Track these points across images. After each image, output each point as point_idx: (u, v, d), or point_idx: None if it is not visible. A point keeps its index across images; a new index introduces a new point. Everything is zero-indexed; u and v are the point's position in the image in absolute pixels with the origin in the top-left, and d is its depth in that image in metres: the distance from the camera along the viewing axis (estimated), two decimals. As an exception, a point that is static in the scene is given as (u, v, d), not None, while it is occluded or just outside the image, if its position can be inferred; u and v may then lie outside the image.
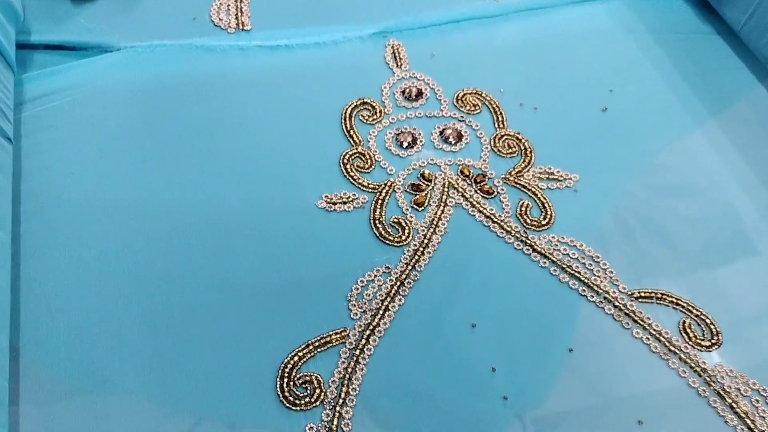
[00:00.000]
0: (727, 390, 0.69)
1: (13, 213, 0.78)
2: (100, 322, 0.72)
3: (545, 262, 0.78)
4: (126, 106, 0.90)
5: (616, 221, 0.83)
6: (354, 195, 0.82)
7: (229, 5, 1.01)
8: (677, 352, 0.72)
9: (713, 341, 0.73)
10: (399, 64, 0.98)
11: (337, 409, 0.66)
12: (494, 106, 0.93)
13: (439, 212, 0.81)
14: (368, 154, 0.87)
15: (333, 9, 1.04)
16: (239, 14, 1.00)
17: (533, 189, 0.84)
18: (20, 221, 0.78)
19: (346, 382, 0.68)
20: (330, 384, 0.68)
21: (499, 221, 0.81)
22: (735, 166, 0.88)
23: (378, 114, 0.91)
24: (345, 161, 0.86)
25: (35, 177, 0.81)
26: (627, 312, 0.74)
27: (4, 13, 0.87)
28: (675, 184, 0.87)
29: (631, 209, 0.84)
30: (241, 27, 0.99)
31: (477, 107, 0.93)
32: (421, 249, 0.78)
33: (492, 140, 0.89)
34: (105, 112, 0.89)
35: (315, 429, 0.66)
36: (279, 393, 0.67)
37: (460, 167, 0.86)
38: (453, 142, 0.89)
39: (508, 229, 0.80)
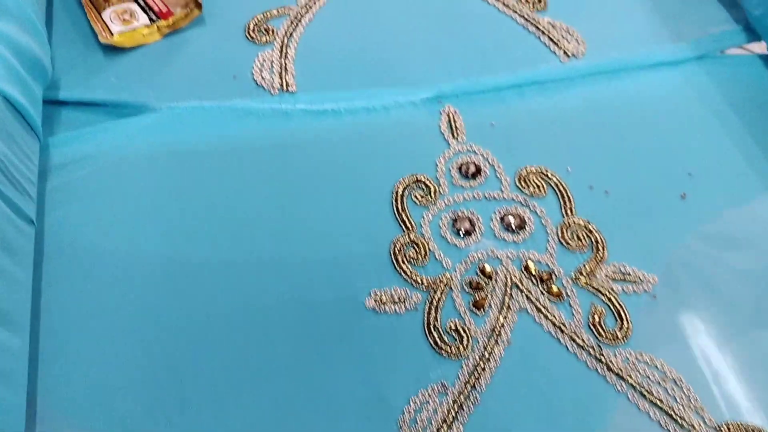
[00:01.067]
0: None
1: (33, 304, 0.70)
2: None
3: (622, 386, 0.69)
4: (159, 176, 0.83)
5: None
6: (406, 293, 0.74)
7: (272, 62, 0.93)
8: (776, 506, 0.62)
9: (816, 492, 0.63)
10: (455, 134, 0.89)
11: None
12: (561, 188, 0.84)
13: (501, 318, 0.73)
14: (422, 242, 0.78)
15: (384, 69, 0.96)
16: (283, 73, 0.92)
17: (607, 293, 0.75)
18: (40, 311, 0.71)
19: None
20: None
21: (569, 333, 0.72)
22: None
23: (432, 194, 0.83)
24: (396, 250, 0.77)
25: (57, 260, 0.74)
26: (716, 453, 0.65)
27: (31, 72, 0.80)
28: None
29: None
30: (285, 88, 0.91)
31: (541, 189, 0.84)
32: (482, 364, 0.69)
33: (559, 230, 0.80)
34: (136, 182, 0.82)
35: None
36: None
37: (524, 262, 0.77)
38: (515, 231, 0.80)
39: (581, 343, 0.71)
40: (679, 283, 0.76)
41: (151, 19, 0.96)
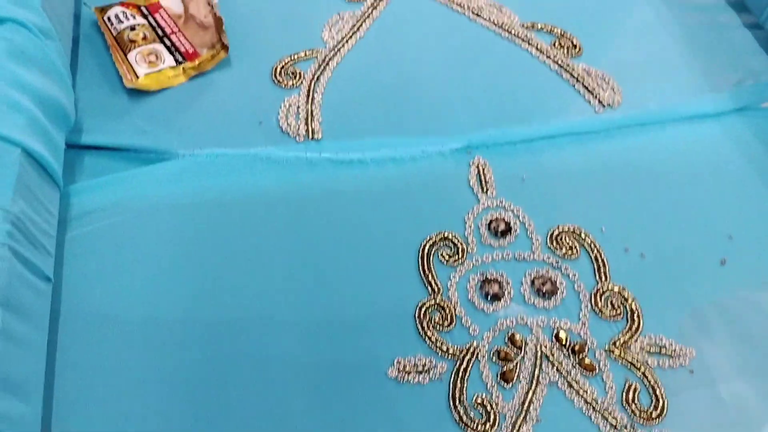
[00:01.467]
0: None
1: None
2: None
3: (657, 472, 0.65)
4: (179, 227, 0.81)
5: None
6: (431, 362, 0.71)
7: (298, 108, 0.91)
8: None
9: None
10: (485, 188, 0.86)
11: None
12: (595, 250, 0.80)
13: (530, 393, 0.69)
14: (448, 306, 0.75)
15: (413, 116, 0.93)
16: (309, 119, 0.90)
17: (642, 367, 0.71)
18: (55, 370, 0.69)
19: None
20: None
21: (602, 410, 0.68)
22: None
23: (460, 254, 0.80)
24: (421, 315, 0.74)
25: (73, 320, 0.72)
26: None
27: (53, 120, 0.79)
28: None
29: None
30: (310, 135, 0.89)
31: (574, 250, 0.80)
32: (509, 443, 0.66)
33: (592, 296, 0.76)
34: (155, 233, 0.80)
35: None
36: None
37: (555, 331, 0.74)
38: (546, 296, 0.76)
39: (614, 422, 0.67)
40: (719, 358, 0.72)
41: (177, 61, 0.95)
